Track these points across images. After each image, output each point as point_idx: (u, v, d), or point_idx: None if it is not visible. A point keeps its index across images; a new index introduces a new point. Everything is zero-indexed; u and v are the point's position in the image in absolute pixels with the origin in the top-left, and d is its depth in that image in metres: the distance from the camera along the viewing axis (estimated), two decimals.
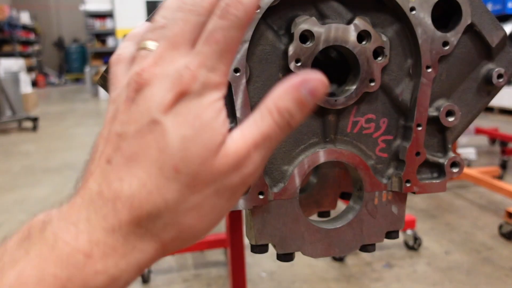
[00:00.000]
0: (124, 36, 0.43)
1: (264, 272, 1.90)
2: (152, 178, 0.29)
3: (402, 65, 0.61)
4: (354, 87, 0.59)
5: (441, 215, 2.52)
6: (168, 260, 2.04)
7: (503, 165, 3.32)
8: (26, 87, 7.13)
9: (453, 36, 0.60)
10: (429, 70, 0.60)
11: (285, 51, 0.57)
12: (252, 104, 0.57)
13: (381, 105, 0.62)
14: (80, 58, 13.48)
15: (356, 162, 0.61)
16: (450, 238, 2.21)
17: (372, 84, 0.59)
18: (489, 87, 0.64)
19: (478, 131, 3.96)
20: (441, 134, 0.64)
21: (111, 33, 10.18)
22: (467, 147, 3.64)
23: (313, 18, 0.57)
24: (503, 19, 4.28)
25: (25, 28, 11.91)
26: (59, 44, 13.90)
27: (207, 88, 0.31)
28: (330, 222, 0.64)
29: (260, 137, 0.31)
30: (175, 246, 0.32)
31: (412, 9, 0.58)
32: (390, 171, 0.63)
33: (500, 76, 0.63)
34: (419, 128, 0.61)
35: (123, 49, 0.37)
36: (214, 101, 0.31)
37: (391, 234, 0.64)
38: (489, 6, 5.00)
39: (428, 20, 0.59)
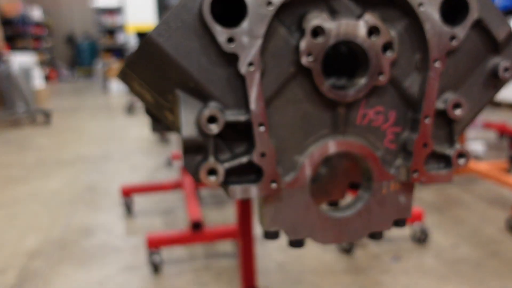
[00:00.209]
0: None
1: (273, 263, 1.93)
2: None
3: (410, 59, 0.63)
4: (363, 81, 0.61)
5: (449, 208, 2.52)
6: (179, 251, 2.08)
7: None
8: (39, 81, 7.22)
9: (460, 31, 0.62)
10: (437, 64, 0.62)
11: (297, 46, 0.59)
12: (265, 97, 0.59)
13: (390, 98, 0.64)
14: (91, 53, 13.60)
15: (365, 153, 0.63)
16: (458, 231, 2.22)
17: (381, 77, 0.61)
18: (496, 81, 0.66)
19: (486, 126, 3.94)
20: (448, 126, 0.66)
21: (121, 28, 10.28)
22: (475, 141, 3.62)
23: (324, 14, 0.59)
24: (510, 14, 4.23)
25: (37, 24, 12.01)
26: (71, 39, 14.01)
27: None
28: (339, 210, 0.66)
29: None
30: None
31: (420, 4, 0.60)
32: (398, 162, 0.65)
33: (506, 69, 0.65)
34: (427, 120, 0.63)
35: None
36: None
37: (399, 222, 0.67)
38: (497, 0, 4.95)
39: (436, 15, 0.61)
